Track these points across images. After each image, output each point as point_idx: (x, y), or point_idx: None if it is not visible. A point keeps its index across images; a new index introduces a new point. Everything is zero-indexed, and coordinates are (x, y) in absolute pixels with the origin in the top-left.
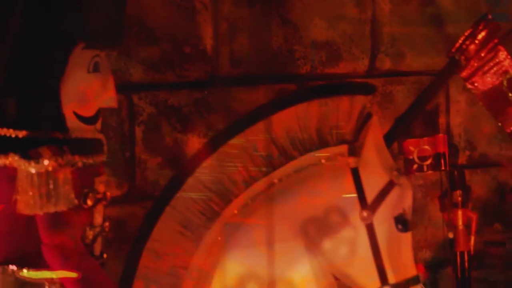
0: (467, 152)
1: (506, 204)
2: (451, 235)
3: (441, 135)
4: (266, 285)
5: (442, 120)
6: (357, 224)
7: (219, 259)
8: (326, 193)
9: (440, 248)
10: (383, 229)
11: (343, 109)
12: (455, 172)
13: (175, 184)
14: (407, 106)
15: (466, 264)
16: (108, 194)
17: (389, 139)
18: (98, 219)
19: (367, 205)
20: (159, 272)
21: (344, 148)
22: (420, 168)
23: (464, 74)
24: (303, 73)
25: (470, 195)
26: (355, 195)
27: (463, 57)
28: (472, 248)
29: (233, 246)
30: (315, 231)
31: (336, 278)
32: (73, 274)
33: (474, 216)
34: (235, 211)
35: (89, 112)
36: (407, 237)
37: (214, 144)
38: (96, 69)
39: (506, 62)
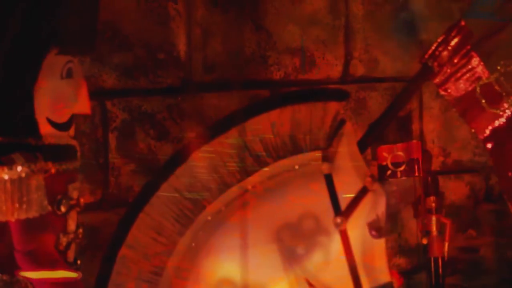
0: (441, 158)
1: (479, 210)
2: (425, 241)
3: (414, 141)
4: None
5: (415, 126)
6: (330, 230)
7: (193, 266)
8: (299, 200)
9: (414, 254)
10: (357, 235)
11: (316, 116)
12: (429, 178)
13: (149, 191)
14: (381, 112)
15: (440, 270)
16: (82, 200)
17: (362, 145)
18: (71, 225)
19: (341, 211)
20: (133, 279)
21: (317, 154)
22: (394, 174)
23: (437, 80)
24: (277, 79)
25: (443, 201)
26: (328, 201)
27: (436, 64)
28: (446, 254)
29: (207, 252)
30: (289, 237)
31: (310, 284)
32: (73, 274)
33: (448, 222)
34: (209, 218)
35: (62, 118)
36: (380, 243)
37: (188, 150)
38: (69, 75)
39: (479, 69)
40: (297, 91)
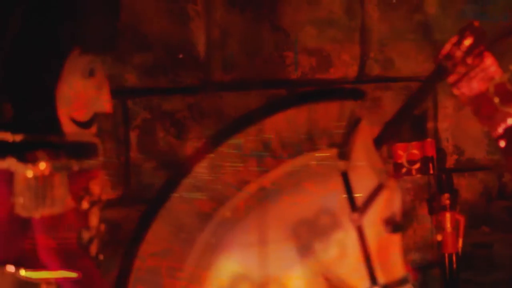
0: (455, 156)
1: (492, 207)
2: (439, 238)
3: (429, 139)
4: (258, 286)
5: (430, 125)
6: (347, 226)
7: (212, 261)
8: (316, 196)
9: (429, 250)
10: (373, 231)
11: (332, 114)
12: (443, 176)
13: (170, 187)
14: (396, 111)
15: (454, 266)
16: (103, 197)
17: (378, 142)
18: (93, 221)
19: (357, 208)
20: (154, 274)
21: (334, 151)
22: (409, 172)
23: (451, 80)
24: (294, 78)
25: (457, 198)
26: (344, 198)
27: (450, 63)
28: (460, 250)
29: (225, 247)
30: (306, 233)
31: (326, 279)
32: (72, 274)
33: (461, 219)
34: (228, 213)
35: (84, 117)
36: (396, 238)
37: (208, 147)
38: (91, 74)
39: (492, 68)
40: (314, 90)
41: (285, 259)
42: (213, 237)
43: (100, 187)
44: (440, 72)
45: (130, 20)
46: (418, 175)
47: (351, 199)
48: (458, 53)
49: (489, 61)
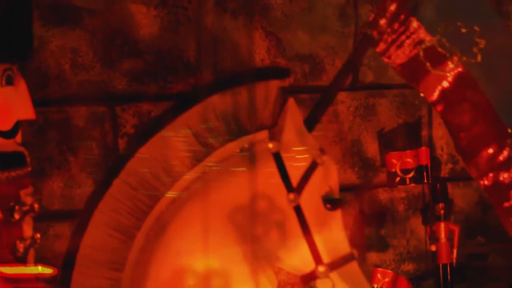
0: (449, 165)
1: (488, 217)
2: (433, 248)
3: (423, 148)
4: (202, 277)
5: (424, 133)
6: (285, 207)
7: (152, 258)
8: (250, 181)
9: (423, 261)
10: (312, 210)
11: (259, 96)
12: (438, 185)
13: (101, 188)
14: (390, 118)
15: (449, 277)
16: (36, 205)
17: (311, 121)
18: (27, 231)
19: (293, 188)
20: (95, 277)
21: (264, 134)
22: (403, 181)
23: (380, 49)
24: (286, 85)
25: (452, 208)
26: (279, 179)
27: (375, 32)
28: (454, 260)
29: (165, 243)
30: (244, 219)
31: (270, 264)
32: (48, 270)
33: (456, 229)
34: (164, 208)
35: (6, 126)
36: (337, 215)
37: (136, 144)
38: (9, 82)
39: (420, 32)
40: (236, 73)
41: (226, 249)
42: (151, 230)
43: (32, 195)
44: (366, 42)
45: (120, 26)
46: (412, 184)
47: (286, 180)
48: (383, 21)
49: (416, 25)
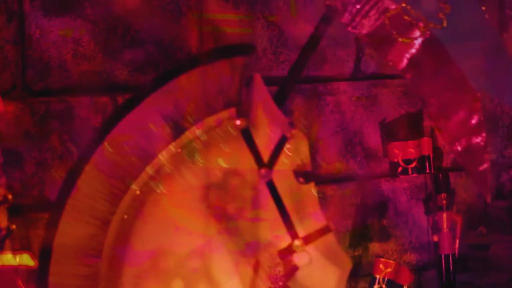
0: (452, 155)
1: (490, 207)
2: (435, 238)
3: (425, 138)
4: (181, 258)
5: (426, 123)
6: (257, 183)
7: (129, 241)
8: (222, 159)
9: (425, 251)
10: (285, 184)
11: (224, 73)
12: (440, 175)
13: (74, 175)
14: (392, 108)
15: (451, 267)
16: (10, 196)
17: (280, 97)
18: (2, 222)
19: (264, 163)
20: (74, 265)
21: (231, 111)
22: (405, 171)
23: (345, 19)
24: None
25: (454, 198)
26: (250, 155)
27: (339, 3)
28: (456, 251)
29: (140, 225)
30: (217, 198)
31: (246, 242)
32: (31, 262)
33: (458, 219)
34: (137, 192)
35: None
36: (310, 188)
37: (105, 130)
38: None
39: (385, 1)
40: (200, 54)
41: (201, 228)
42: (125, 214)
43: (5, 186)
44: (330, 14)
45: (122, 15)
46: (415, 174)
47: (257, 155)
48: None
49: None
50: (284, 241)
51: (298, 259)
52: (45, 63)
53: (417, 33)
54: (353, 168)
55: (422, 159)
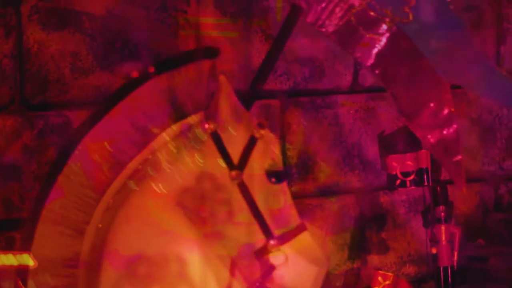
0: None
1: (488, 219)
2: (434, 251)
3: (423, 150)
4: (157, 263)
5: None
6: (229, 186)
7: (105, 248)
8: (193, 164)
9: (424, 263)
10: (257, 185)
11: (191, 77)
12: (438, 188)
13: (47, 186)
14: (390, 121)
15: (450, 279)
16: None
17: (248, 98)
18: None
19: (234, 165)
20: (51, 276)
21: (200, 115)
22: (403, 184)
23: (310, 19)
24: (286, 89)
25: (453, 211)
26: (220, 157)
27: (303, 2)
28: (455, 263)
29: (115, 232)
30: (192, 202)
31: (222, 244)
32: (31, 262)
33: (457, 232)
34: (111, 200)
35: None
36: (283, 188)
37: (75, 140)
38: None
39: None
40: (166, 58)
41: (177, 234)
42: (100, 223)
43: None
44: (295, 13)
45: (119, 29)
46: (413, 187)
47: (227, 158)
48: None
49: None
50: (259, 241)
51: (274, 259)
52: (43, 77)
53: (383, 28)
54: (351, 181)
55: (420, 172)
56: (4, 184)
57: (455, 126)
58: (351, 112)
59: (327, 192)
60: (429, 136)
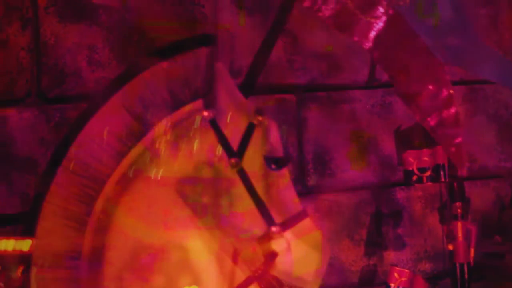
0: (467, 164)
1: (505, 216)
2: (450, 247)
3: (440, 146)
4: (160, 252)
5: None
6: (229, 173)
7: (107, 238)
8: (192, 152)
9: (440, 260)
10: (257, 172)
11: (188, 65)
12: (455, 184)
13: (47, 179)
14: (406, 116)
15: (466, 276)
16: None
17: (247, 87)
18: None
19: (234, 152)
20: (54, 269)
21: (199, 103)
22: (420, 180)
23: (307, 3)
24: (303, 83)
25: (469, 207)
26: (219, 145)
27: None
28: (471, 260)
29: (117, 222)
30: (192, 191)
31: (224, 232)
32: (25, 246)
33: (473, 228)
34: (111, 189)
35: None
36: (284, 174)
37: (73, 131)
38: None
39: None
40: (162, 46)
41: (178, 223)
42: (101, 214)
43: None
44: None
45: (136, 23)
46: (429, 183)
47: (226, 146)
48: None
49: None
50: (261, 228)
51: (277, 245)
52: (60, 70)
53: (380, 10)
54: (368, 177)
55: (437, 168)
56: (21, 177)
57: (454, 108)
58: (368, 107)
59: (343, 187)
60: (428, 119)
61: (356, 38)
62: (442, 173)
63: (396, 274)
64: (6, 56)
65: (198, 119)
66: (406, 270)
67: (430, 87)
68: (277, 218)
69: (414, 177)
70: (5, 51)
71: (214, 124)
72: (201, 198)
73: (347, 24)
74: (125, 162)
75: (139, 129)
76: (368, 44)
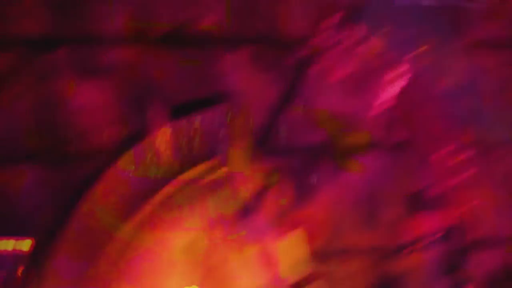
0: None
1: None
2: None
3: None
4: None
5: None
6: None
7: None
8: (207, 208)
9: None
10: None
11: (206, 123)
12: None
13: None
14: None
15: None
16: None
17: (262, 141)
18: None
19: (248, 208)
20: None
21: (216, 160)
22: (427, 245)
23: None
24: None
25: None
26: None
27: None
28: None
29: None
30: (201, 250)
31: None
32: (25, 246)
33: None
34: (118, 251)
35: None
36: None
37: (103, 170)
38: None
39: (369, 39)
40: (180, 104)
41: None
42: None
43: None
44: (302, 66)
45: (152, 81)
46: (436, 248)
47: (240, 202)
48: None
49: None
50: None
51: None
52: (73, 126)
53: (403, 68)
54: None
55: (446, 232)
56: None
57: (472, 169)
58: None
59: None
60: (445, 180)
61: (377, 96)
62: (450, 237)
63: None
64: (19, 111)
65: (215, 175)
66: None
67: (449, 147)
68: (290, 279)
69: (421, 242)
70: (19, 105)
71: (229, 180)
72: (209, 260)
73: (369, 82)
74: (135, 219)
75: (151, 187)
76: (389, 103)
